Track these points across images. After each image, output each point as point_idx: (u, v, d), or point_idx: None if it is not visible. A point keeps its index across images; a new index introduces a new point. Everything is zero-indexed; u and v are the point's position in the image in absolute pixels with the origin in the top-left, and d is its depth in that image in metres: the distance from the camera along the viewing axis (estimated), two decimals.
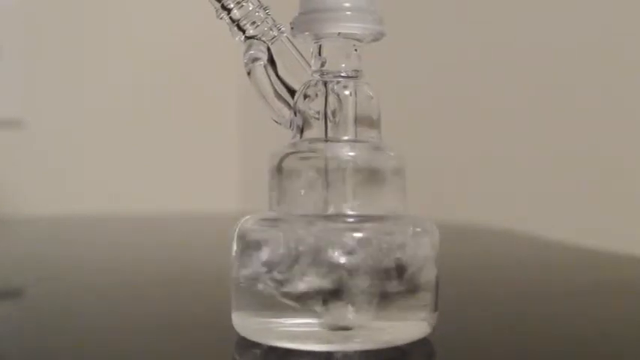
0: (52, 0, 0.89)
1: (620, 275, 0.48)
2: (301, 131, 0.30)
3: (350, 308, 0.27)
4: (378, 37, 0.30)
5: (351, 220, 0.28)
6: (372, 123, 0.30)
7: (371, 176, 0.29)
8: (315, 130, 0.30)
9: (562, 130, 0.68)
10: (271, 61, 0.31)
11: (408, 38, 0.72)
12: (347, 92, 0.29)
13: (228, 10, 0.31)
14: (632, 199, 0.63)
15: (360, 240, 0.27)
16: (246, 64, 0.31)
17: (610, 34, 0.64)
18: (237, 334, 0.29)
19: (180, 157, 0.96)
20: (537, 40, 0.70)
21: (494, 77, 0.73)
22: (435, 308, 0.29)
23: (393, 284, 0.28)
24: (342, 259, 0.27)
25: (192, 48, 0.95)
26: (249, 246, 0.28)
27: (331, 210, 0.28)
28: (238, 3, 0.31)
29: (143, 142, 0.94)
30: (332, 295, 0.27)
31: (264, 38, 0.31)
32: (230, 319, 0.30)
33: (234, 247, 0.29)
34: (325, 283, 0.27)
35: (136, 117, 0.93)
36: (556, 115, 0.68)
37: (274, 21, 0.31)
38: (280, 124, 0.31)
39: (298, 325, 0.28)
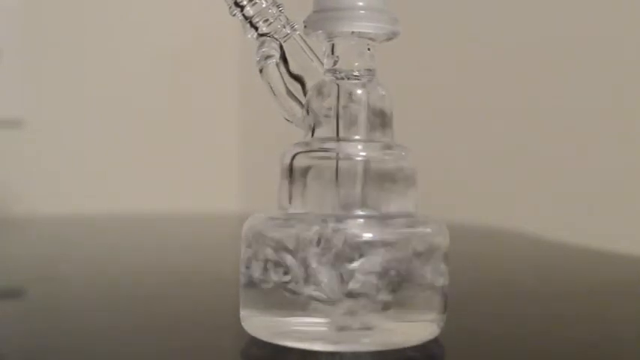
0: (52, 0, 0.89)
1: (621, 275, 0.48)
2: (313, 130, 0.30)
3: (360, 309, 0.27)
4: (391, 37, 0.30)
5: (361, 219, 0.28)
6: (385, 122, 0.30)
7: (382, 176, 0.29)
8: (326, 129, 0.29)
9: (562, 130, 0.68)
10: (284, 59, 0.31)
11: (408, 38, 0.72)
12: (359, 91, 0.29)
13: (242, 7, 0.31)
14: (633, 199, 0.63)
15: (370, 239, 0.27)
16: (259, 62, 0.31)
17: (611, 33, 0.64)
18: (246, 333, 0.29)
19: (180, 157, 0.95)
20: (538, 40, 0.70)
21: (496, 77, 0.73)
22: (444, 309, 0.29)
23: (402, 285, 0.28)
24: (353, 259, 0.27)
25: (192, 48, 0.95)
26: (258, 245, 0.28)
27: (342, 209, 0.28)
28: (251, 0, 0.31)
29: (143, 142, 0.93)
30: (342, 295, 0.27)
31: (276, 36, 0.31)
32: (238, 319, 0.29)
33: (244, 246, 0.29)
34: (335, 283, 0.27)
35: (136, 117, 0.93)
36: (556, 115, 0.68)
37: (287, 19, 0.31)
38: (291, 122, 0.31)
39: (307, 324, 0.27)
